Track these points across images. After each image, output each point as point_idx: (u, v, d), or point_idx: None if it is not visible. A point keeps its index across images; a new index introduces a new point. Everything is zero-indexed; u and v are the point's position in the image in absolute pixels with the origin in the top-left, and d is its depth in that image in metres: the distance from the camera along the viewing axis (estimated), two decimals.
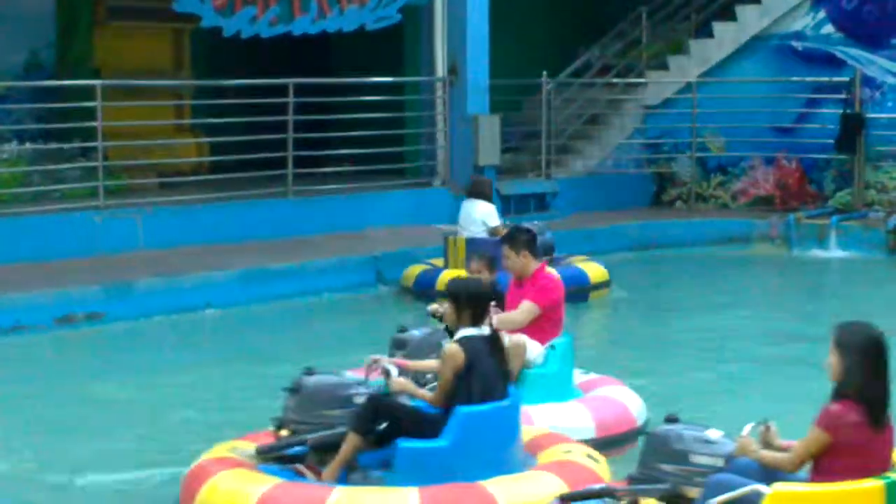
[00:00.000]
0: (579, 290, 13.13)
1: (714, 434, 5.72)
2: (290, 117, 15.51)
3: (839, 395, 5.27)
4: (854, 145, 17.99)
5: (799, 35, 18.77)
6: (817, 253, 17.03)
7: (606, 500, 5.66)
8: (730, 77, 19.05)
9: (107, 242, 13.80)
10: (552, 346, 8.12)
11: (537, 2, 20.77)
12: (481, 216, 13.62)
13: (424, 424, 6.18)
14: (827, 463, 5.26)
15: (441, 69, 17.16)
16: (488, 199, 13.85)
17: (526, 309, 8.17)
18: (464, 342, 6.25)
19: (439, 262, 13.80)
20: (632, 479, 5.76)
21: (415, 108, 18.05)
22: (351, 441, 6.14)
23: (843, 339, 5.30)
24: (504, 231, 13.32)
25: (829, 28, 18.56)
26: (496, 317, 7.80)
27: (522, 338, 8.00)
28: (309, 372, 6.46)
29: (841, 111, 18.03)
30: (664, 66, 19.63)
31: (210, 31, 15.81)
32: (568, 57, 19.56)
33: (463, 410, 6.09)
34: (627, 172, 19.53)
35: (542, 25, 20.76)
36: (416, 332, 7.85)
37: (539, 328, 8.16)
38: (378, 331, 10.34)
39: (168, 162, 16.69)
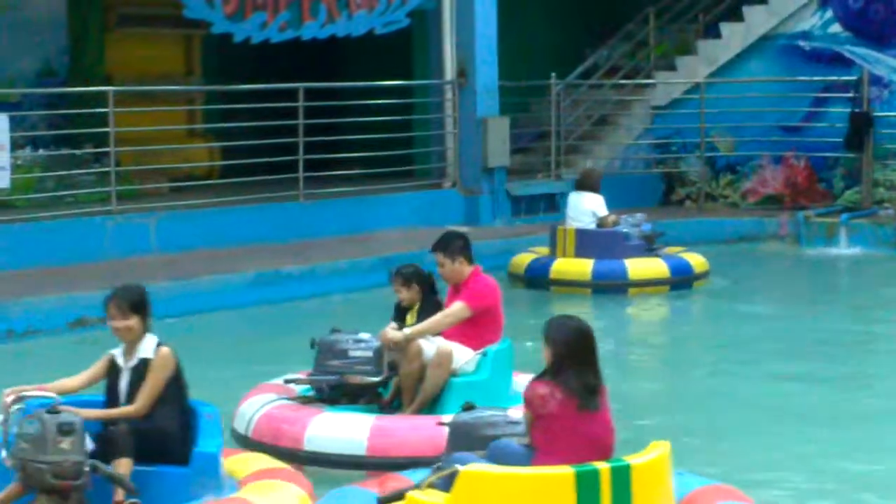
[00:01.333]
0: (683, 280, 13.98)
1: (514, 414, 6.08)
2: (301, 121, 15.62)
3: (541, 375, 5.67)
4: (862, 144, 18.05)
5: (806, 35, 18.83)
6: (828, 250, 17.09)
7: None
8: (738, 77, 19.11)
9: (119, 247, 13.92)
10: (484, 353, 7.90)
11: (545, 4, 20.85)
12: (590, 207, 14.06)
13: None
14: (537, 439, 5.59)
15: (450, 72, 17.27)
16: (596, 190, 14.21)
17: (452, 311, 7.97)
18: None
19: (543, 250, 14.47)
20: (437, 469, 5.83)
21: (424, 111, 18.16)
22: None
23: (550, 333, 5.72)
24: (613, 221, 13.66)
25: (836, 27, 18.62)
26: (426, 322, 7.89)
27: (448, 346, 7.81)
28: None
29: (849, 110, 18.09)
30: (672, 67, 19.71)
31: (221, 37, 15.93)
32: (576, 58, 19.65)
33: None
34: (636, 173, 19.60)
35: (550, 27, 20.85)
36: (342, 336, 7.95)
37: (476, 334, 7.96)
38: None
39: (180, 166, 16.81)
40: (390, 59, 19.18)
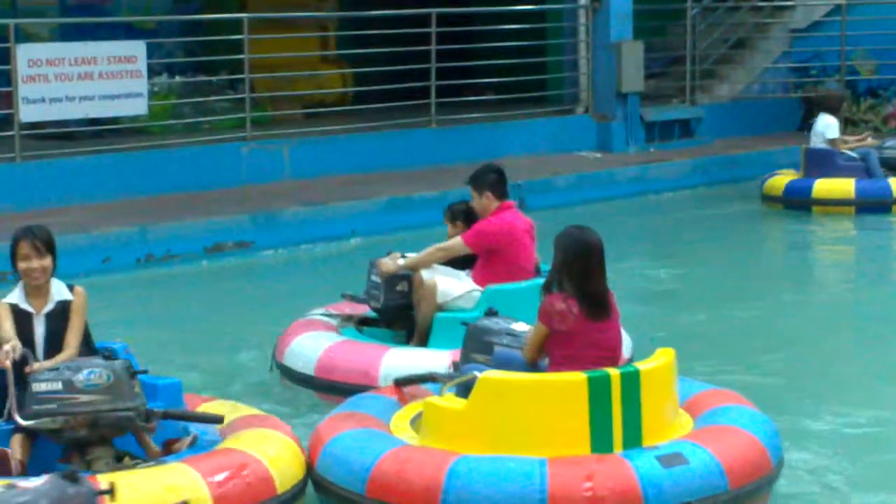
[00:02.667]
0: None
1: (520, 327, 6.29)
2: (433, 47, 15.57)
3: (550, 289, 5.88)
4: None
5: None
6: None
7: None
8: None
9: (254, 173, 14.07)
10: (482, 291, 7.64)
11: None
12: (822, 128, 14.23)
13: None
14: (551, 351, 5.85)
15: None
16: (833, 112, 14.35)
17: (447, 245, 7.87)
18: None
19: (788, 172, 14.72)
20: (455, 366, 6.29)
21: (557, 36, 17.98)
22: None
23: (558, 242, 5.94)
24: (843, 145, 14.00)
25: None
26: (419, 254, 7.80)
27: (432, 279, 7.66)
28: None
29: None
30: None
31: None
32: None
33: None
34: (774, 97, 19.24)
35: None
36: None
37: (486, 274, 7.72)
38: None
39: (313, 93, 16.90)
40: None
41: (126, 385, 5.41)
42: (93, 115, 13.63)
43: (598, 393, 5.44)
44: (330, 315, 8.07)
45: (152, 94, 14.35)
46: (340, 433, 5.77)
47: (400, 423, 5.97)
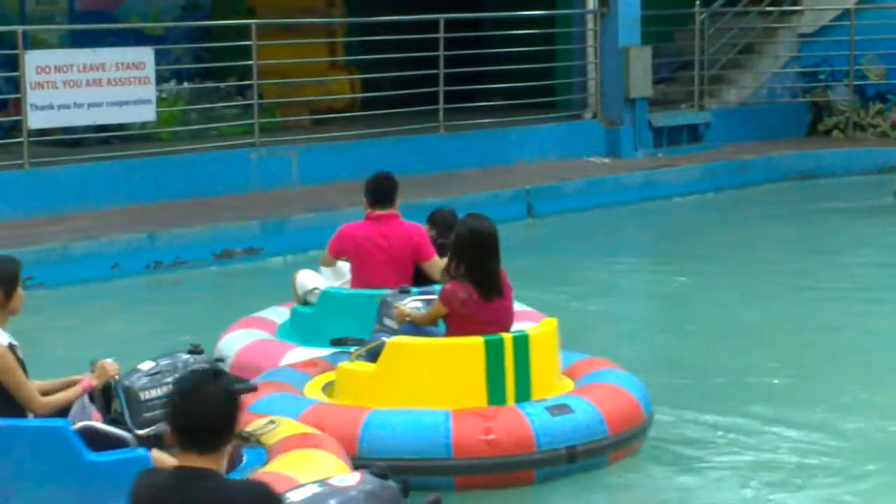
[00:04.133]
0: None
1: (427, 298, 6.90)
2: (442, 53, 15.57)
3: (452, 277, 6.49)
4: None
5: None
6: None
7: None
8: (890, 3, 18.55)
9: (262, 179, 14.08)
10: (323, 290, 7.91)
11: None
12: None
13: None
14: (452, 328, 6.52)
15: (592, 2, 17.05)
16: None
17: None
18: None
19: None
20: (373, 333, 6.97)
21: (566, 41, 17.97)
22: None
23: (455, 231, 6.57)
24: None
25: None
26: None
27: (299, 275, 8.13)
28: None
29: None
30: None
31: None
32: None
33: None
34: (782, 102, 19.21)
35: None
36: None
37: (353, 275, 8.00)
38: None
39: (321, 99, 16.91)
40: None
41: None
42: (101, 121, 13.65)
43: (494, 354, 6.25)
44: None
45: (160, 101, 14.36)
46: (262, 397, 6.23)
47: (313, 390, 6.61)
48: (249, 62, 14.36)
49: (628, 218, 14.94)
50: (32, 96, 12.74)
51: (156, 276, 11.60)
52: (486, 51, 16.76)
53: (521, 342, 6.30)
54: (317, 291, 7.96)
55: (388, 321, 6.95)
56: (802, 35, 19.13)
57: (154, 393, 5.32)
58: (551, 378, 6.53)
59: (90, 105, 13.14)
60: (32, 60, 12.82)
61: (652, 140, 17.18)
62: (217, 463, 3.76)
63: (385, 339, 6.47)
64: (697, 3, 18.06)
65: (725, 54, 18.73)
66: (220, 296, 11.10)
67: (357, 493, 3.99)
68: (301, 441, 5.56)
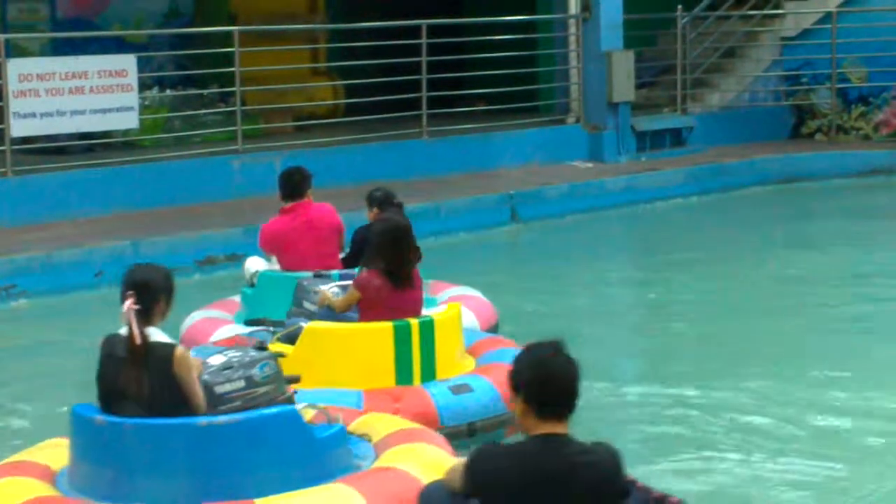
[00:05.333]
0: None
1: (341, 284, 7.41)
2: (424, 58, 15.58)
3: (368, 266, 7.05)
4: None
5: None
6: None
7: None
8: (872, 6, 18.61)
9: (245, 185, 14.06)
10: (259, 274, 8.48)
11: None
12: None
13: None
14: (364, 313, 6.99)
15: (574, 6, 17.08)
16: None
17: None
18: None
19: None
20: (289, 315, 7.53)
21: (548, 46, 17.99)
22: None
23: (373, 226, 7.22)
24: None
25: None
26: None
27: (248, 258, 8.81)
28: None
29: None
30: None
31: None
32: None
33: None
34: (765, 105, 19.26)
35: None
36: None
37: (281, 263, 8.57)
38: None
39: (304, 105, 16.91)
40: None
41: (282, 371, 5.79)
42: (84, 129, 13.63)
43: (402, 338, 6.75)
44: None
45: (143, 108, 14.34)
46: None
47: None
48: (232, 69, 14.35)
49: (612, 222, 14.96)
50: (15, 104, 12.72)
51: None
52: (469, 56, 16.77)
53: (427, 327, 6.83)
54: (258, 274, 8.48)
55: (307, 304, 7.47)
56: (784, 38, 19.18)
57: (228, 387, 5.55)
58: (454, 358, 7.09)
59: (73, 113, 13.13)
60: (14, 68, 12.79)
61: (635, 144, 17.21)
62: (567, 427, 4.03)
63: (302, 323, 6.98)
64: (679, 7, 18.10)
65: (708, 58, 18.78)
66: (202, 302, 11.06)
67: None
68: (408, 436, 5.78)
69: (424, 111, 15.65)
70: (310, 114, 16.95)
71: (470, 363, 7.18)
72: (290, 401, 5.69)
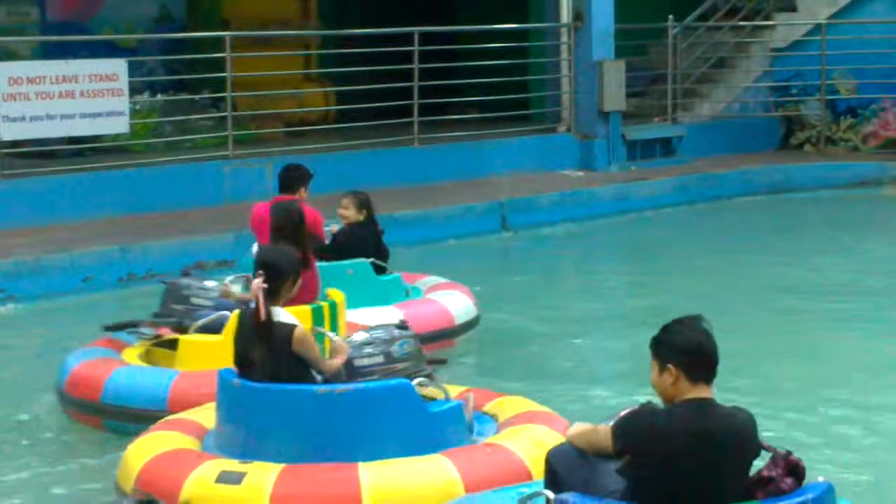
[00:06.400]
0: None
1: (210, 283, 7.90)
2: (416, 65, 15.58)
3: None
4: None
5: None
6: None
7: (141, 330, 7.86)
8: (861, 17, 18.67)
9: (236, 191, 14.04)
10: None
11: None
12: None
13: None
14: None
15: (566, 15, 17.10)
16: None
17: None
18: None
19: None
20: (155, 315, 7.89)
21: (540, 55, 18.01)
22: None
23: (273, 216, 7.59)
24: None
25: None
26: None
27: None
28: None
29: None
30: (793, 8, 19.30)
31: None
32: (694, 0, 19.33)
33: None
34: (755, 116, 19.29)
35: None
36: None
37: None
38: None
39: (295, 111, 16.90)
40: (505, 3, 19.05)
41: (421, 350, 6.24)
42: (74, 133, 13.60)
43: (318, 318, 7.22)
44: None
45: (134, 113, 14.32)
46: (116, 370, 7.35)
47: (131, 359, 7.68)
48: (223, 74, 14.34)
49: (602, 231, 14.97)
50: (5, 108, 12.69)
51: (128, 289, 11.53)
52: (461, 64, 16.78)
53: (333, 308, 7.44)
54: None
55: (197, 300, 7.82)
56: (774, 50, 19.23)
57: (366, 361, 6.08)
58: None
59: (63, 117, 13.10)
60: (5, 72, 12.77)
61: (625, 153, 17.23)
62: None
63: (227, 313, 7.40)
64: (670, 17, 18.14)
65: (698, 68, 18.82)
66: None
67: None
68: (530, 418, 6.11)
69: (416, 118, 15.66)
70: (301, 120, 16.95)
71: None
72: (429, 378, 6.13)
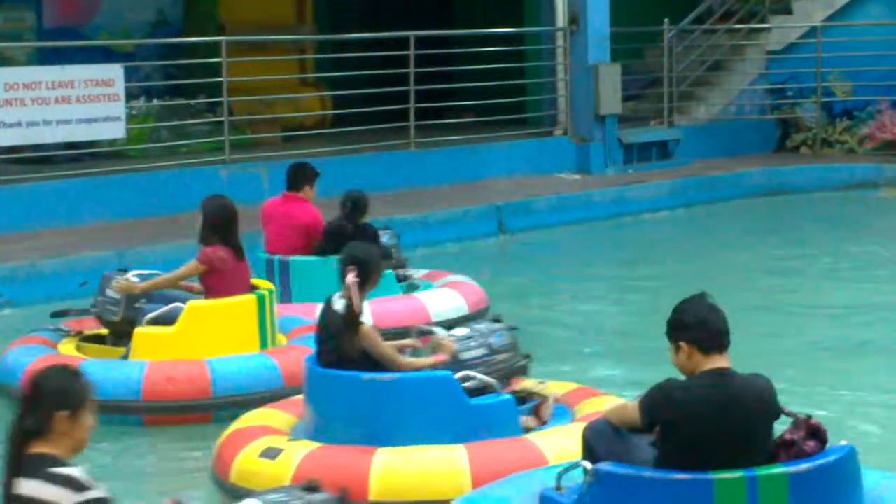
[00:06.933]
0: None
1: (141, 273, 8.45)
2: (412, 70, 15.59)
3: (206, 243, 7.99)
4: None
5: None
6: None
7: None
8: (856, 20, 18.69)
9: (232, 196, 13.77)
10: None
11: None
12: None
13: None
14: (213, 286, 7.95)
15: (562, 19, 17.11)
16: None
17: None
18: None
19: None
20: (94, 305, 8.38)
21: (536, 59, 18.03)
22: None
23: (203, 209, 8.14)
24: None
25: None
26: None
27: None
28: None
29: None
30: (788, 11, 19.32)
31: None
32: (690, 3, 19.36)
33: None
34: (751, 118, 19.31)
35: None
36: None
37: None
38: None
39: (292, 116, 16.90)
40: (501, 6, 19.06)
41: (516, 341, 6.55)
42: (70, 138, 13.60)
43: (262, 308, 7.92)
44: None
45: (130, 118, 14.31)
46: (80, 363, 7.34)
47: (68, 351, 8.05)
48: (220, 79, 14.34)
49: (599, 234, 14.97)
50: (1, 114, 12.68)
51: None
52: (457, 67, 16.78)
53: (271, 296, 8.03)
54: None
55: (109, 292, 8.20)
56: (770, 52, 19.25)
57: (468, 355, 6.37)
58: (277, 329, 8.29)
59: (59, 122, 13.10)
60: (1, 77, 12.76)
61: (622, 156, 17.24)
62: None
63: (180, 305, 7.85)
64: (666, 20, 18.16)
65: (694, 71, 18.84)
66: None
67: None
68: (585, 393, 6.63)
69: (412, 122, 15.66)
70: (298, 124, 16.94)
71: (285, 339, 8.27)
72: (524, 370, 6.56)
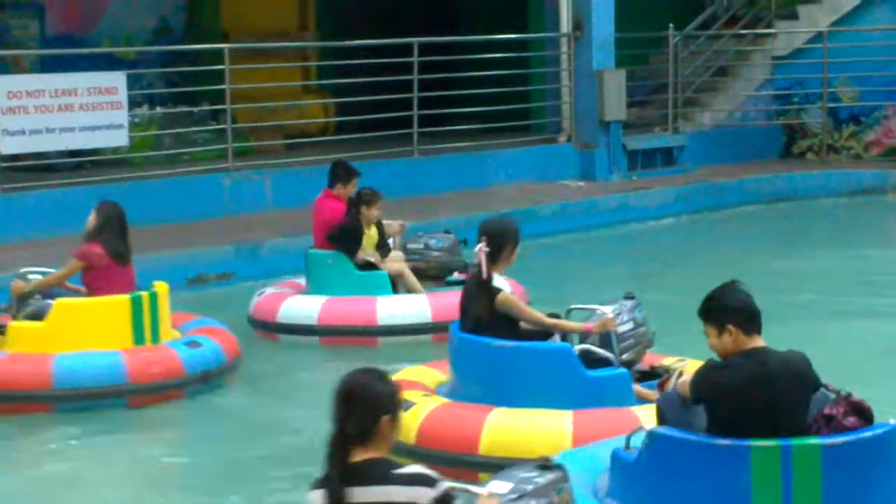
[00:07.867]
0: None
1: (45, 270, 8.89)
2: (416, 76, 15.54)
3: (92, 241, 8.50)
4: None
5: None
6: None
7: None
8: (862, 25, 18.63)
9: (236, 203, 14.01)
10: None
11: None
12: None
13: None
14: (93, 285, 8.50)
15: (566, 25, 17.07)
16: None
17: None
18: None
19: None
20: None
21: (540, 65, 17.98)
22: None
23: (98, 211, 8.71)
24: None
25: None
26: None
27: None
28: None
29: None
30: (794, 16, 19.27)
31: None
32: (694, 8, 19.31)
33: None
34: (756, 125, 19.25)
35: None
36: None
37: None
38: None
39: (295, 123, 16.86)
40: (505, 13, 19.01)
41: (643, 314, 7.07)
42: (73, 146, 13.58)
43: (136, 308, 8.41)
44: None
45: (133, 126, 14.29)
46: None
47: None
48: (222, 86, 14.30)
49: (603, 241, 14.91)
50: (4, 121, 12.66)
51: None
52: (461, 74, 16.74)
53: (153, 298, 8.52)
54: None
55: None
56: (776, 58, 19.19)
57: (621, 329, 6.92)
58: (169, 325, 8.77)
59: (62, 130, 13.08)
60: (4, 85, 12.73)
61: (626, 163, 17.18)
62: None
63: (50, 301, 8.35)
64: (671, 26, 18.10)
65: (699, 77, 18.79)
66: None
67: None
68: None
69: (416, 129, 15.62)
70: (301, 132, 16.90)
71: (177, 333, 8.82)
72: (651, 342, 7.13)
